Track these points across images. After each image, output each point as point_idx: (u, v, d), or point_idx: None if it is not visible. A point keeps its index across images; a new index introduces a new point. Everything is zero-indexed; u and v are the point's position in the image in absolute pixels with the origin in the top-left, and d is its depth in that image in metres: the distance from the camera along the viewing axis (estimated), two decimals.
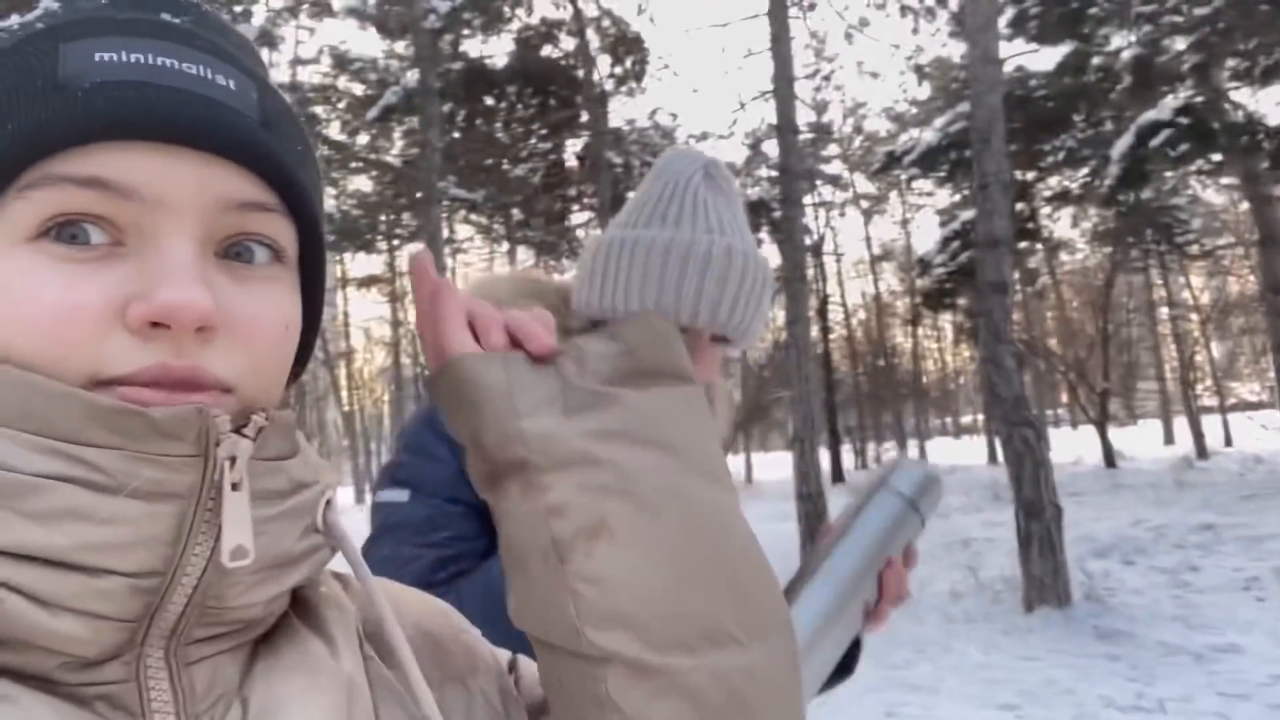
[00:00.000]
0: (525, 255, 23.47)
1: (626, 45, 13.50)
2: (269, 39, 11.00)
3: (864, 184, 26.05)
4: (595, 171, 12.59)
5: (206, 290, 0.40)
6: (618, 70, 13.84)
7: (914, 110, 21.33)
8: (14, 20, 0.44)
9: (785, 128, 10.13)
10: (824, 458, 25.17)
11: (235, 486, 0.40)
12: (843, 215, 26.91)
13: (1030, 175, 14.97)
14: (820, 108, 19.27)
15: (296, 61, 15.55)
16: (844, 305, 27.28)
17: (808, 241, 23.68)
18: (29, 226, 0.40)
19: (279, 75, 15.15)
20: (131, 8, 0.44)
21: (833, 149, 24.22)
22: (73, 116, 0.39)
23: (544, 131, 14.16)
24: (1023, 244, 17.50)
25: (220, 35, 0.46)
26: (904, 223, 28.31)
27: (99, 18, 0.42)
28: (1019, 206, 14.61)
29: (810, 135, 18.63)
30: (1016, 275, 23.67)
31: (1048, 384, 34.54)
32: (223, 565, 0.40)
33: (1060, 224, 19.66)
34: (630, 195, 1.20)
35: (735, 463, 31.77)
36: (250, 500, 0.41)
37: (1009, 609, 6.86)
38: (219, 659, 0.44)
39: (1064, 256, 25.18)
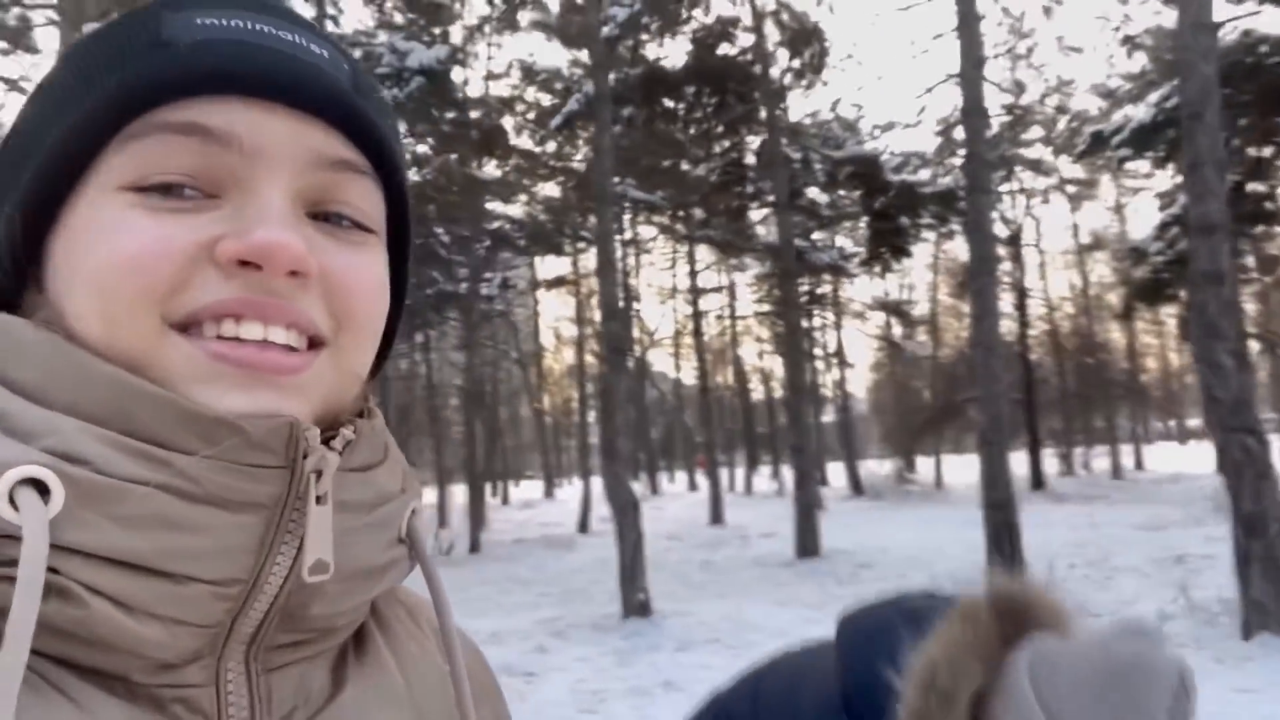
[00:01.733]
0: (706, 254, 23.57)
1: (805, 38, 13.26)
2: (460, 58, 11.70)
3: (1073, 168, 24.19)
4: (772, 168, 12.45)
5: (300, 237, 0.41)
6: (795, 64, 13.62)
7: (1128, 85, 19.57)
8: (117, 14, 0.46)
9: (972, 112, 9.60)
10: (1022, 462, 23.64)
11: (320, 500, 0.40)
12: (1046, 202, 25.12)
13: (1266, 151, 13.35)
14: (1018, 88, 18.08)
15: (489, 76, 16.38)
16: (1047, 299, 25.47)
17: (1005, 231, 22.29)
18: (127, 176, 0.40)
19: (472, 91, 16.03)
20: None
21: (1035, 131, 22.67)
22: (176, 69, 0.40)
23: (720, 130, 14.17)
24: (1259, 228, 15.62)
25: (300, 16, 0.48)
26: (1117, 208, 26.02)
27: None
28: (1253, 186, 13.07)
29: (1007, 118, 17.52)
30: (1253, 262, 21.14)
31: None
32: (303, 578, 0.40)
33: None
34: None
35: (924, 465, 30.47)
36: (335, 511, 0.41)
37: (1225, 634, 6.16)
38: (303, 666, 0.44)
39: None
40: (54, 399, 0.38)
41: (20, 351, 0.39)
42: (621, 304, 24.12)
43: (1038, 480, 20.71)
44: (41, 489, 0.35)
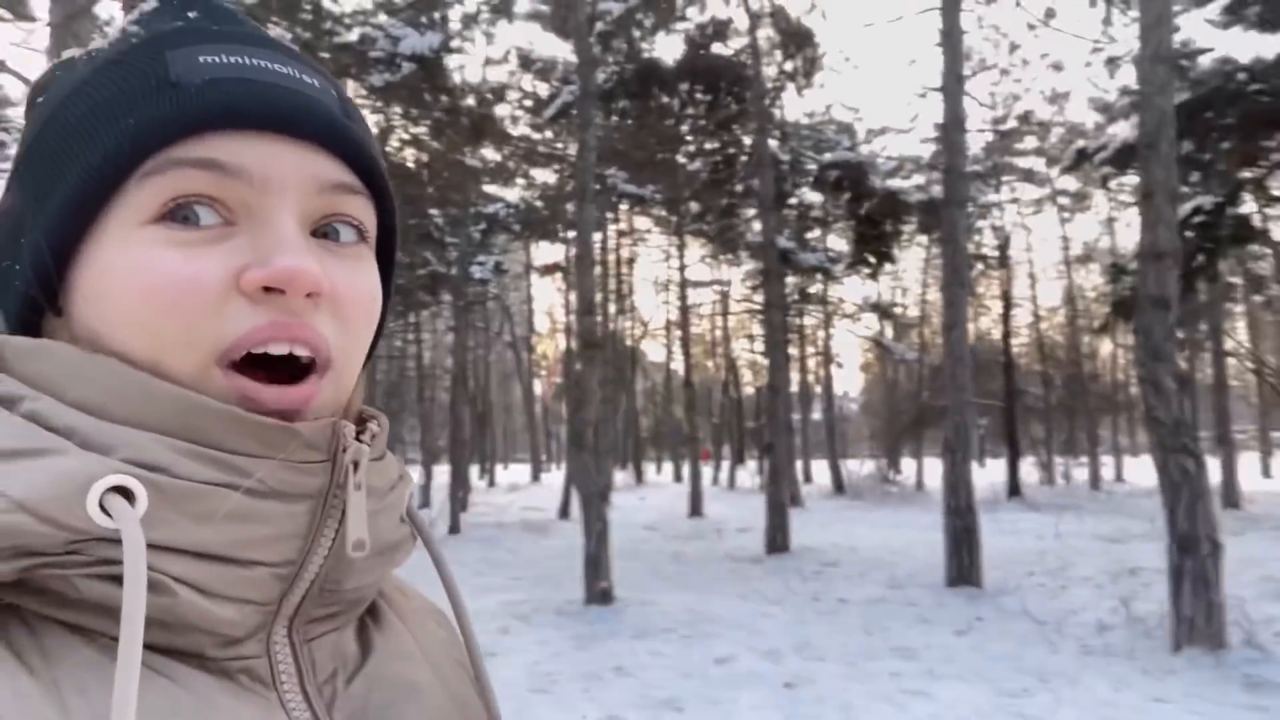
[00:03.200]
0: (699, 249, 23.72)
1: (798, 41, 13.40)
2: (454, 45, 11.84)
3: (1066, 180, 24.36)
4: (759, 169, 12.61)
5: (315, 260, 0.45)
6: (789, 66, 13.76)
7: (1124, 100, 19.71)
8: (106, 41, 0.49)
9: (952, 126, 9.79)
10: (1001, 469, 23.79)
11: (358, 486, 0.46)
12: (1039, 212, 25.28)
13: (1246, 174, 13.50)
14: (1011, 100, 18.22)
15: (487, 62, 16.48)
16: (1035, 309, 25.67)
17: (994, 241, 22.47)
18: (149, 210, 0.43)
19: (471, 76, 16.11)
20: (211, 21, 0.49)
21: (1030, 141, 22.84)
22: (189, 109, 0.44)
23: (713, 128, 14.31)
24: (1244, 247, 15.74)
25: (288, 47, 0.52)
26: (1109, 222, 26.20)
27: (194, 28, 0.48)
28: (1233, 210, 13.23)
29: (991, 130, 17.67)
30: (1240, 282, 21.33)
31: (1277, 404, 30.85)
32: (345, 554, 0.46)
33: None
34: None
35: (907, 466, 30.70)
36: (367, 496, 0.48)
37: (1157, 647, 6.40)
38: (335, 636, 0.51)
39: None
40: (117, 416, 0.42)
41: (77, 374, 0.43)
42: (612, 294, 24.34)
43: (1014, 488, 20.95)
44: (126, 495, 0.40)
